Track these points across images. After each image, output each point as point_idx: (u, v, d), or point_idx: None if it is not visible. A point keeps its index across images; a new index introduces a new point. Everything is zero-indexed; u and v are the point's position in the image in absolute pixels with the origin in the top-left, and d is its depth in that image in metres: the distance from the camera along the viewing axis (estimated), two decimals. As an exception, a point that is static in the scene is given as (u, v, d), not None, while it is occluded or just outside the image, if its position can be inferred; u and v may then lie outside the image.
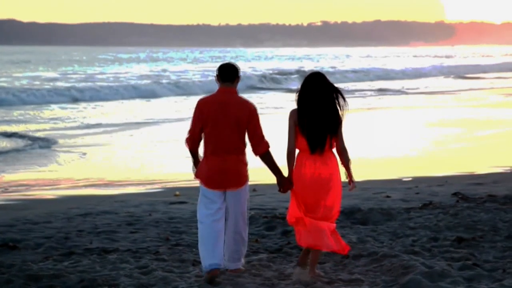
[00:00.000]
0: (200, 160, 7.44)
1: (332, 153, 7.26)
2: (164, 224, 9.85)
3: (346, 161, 7.30)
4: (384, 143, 19.91)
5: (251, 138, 7.30)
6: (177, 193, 12.61)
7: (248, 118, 7.24)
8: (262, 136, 7.31)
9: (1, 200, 12.39)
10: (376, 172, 15.04)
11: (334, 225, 7.29)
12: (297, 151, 7.28)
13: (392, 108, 33.69)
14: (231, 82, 7.33)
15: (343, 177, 7.42)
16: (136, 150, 19.33)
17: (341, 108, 7.19)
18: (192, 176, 7.53)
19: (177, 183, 13.90)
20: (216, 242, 7.24)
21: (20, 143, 20.73)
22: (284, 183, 7.29)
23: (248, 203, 7.55)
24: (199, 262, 7.76)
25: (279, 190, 7.37)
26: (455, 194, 11.73)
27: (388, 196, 11.78)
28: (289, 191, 7.30)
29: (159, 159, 17.57)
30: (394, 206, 10.76)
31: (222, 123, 7.22)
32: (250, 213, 10.16)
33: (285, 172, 7.34)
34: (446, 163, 16.29)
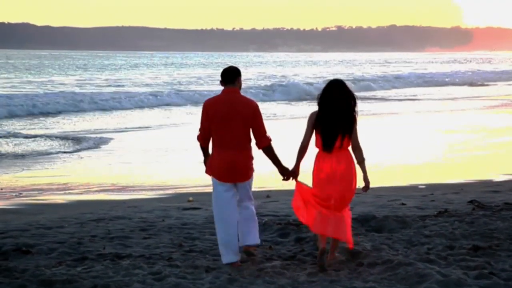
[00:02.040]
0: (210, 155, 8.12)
1: (348, 152, 7.94)
2: (177, 230, 9.82)
3: (360, 159, 7.97)
4: (400, 150, 19.83)
5: (255, 133, 7.96)
6: (191, 198, 12.58)
7: (253, 115, 7.89)
8: (265, 131, 8.00)
9: (15, 205, 12.41)
10: (391, 179, 14.96)
11: (349, 217, 8.05)
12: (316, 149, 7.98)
13: (408, 114, 33.63)
14: (232, 83, 7.97)
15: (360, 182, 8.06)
16: (149, 155, 19.35)
17: (356, 112, 7.89)
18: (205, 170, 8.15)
19: (190, 189, 13.88)
20: (233, 235, 7.94)
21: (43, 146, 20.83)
22: (285, 173, 8.08)
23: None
24: (213, 269, 7.77)
25: (283, 179, 8.15)
26: (471, 201, 11.63)
27: (403, 204, 11.70)
28: (294, 182, 8.06)
29: (172, 164, 17.57)
30: (409, 213, 10.69)
31: (229, 121, 7.85)
32: (264, 220, 10.15)
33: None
34: (462, 170, 16.19)
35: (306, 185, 8.05)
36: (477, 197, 12.09)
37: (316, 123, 7.87)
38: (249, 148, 8.00)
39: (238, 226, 8.03)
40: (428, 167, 16.86)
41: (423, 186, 13.95)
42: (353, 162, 7.97)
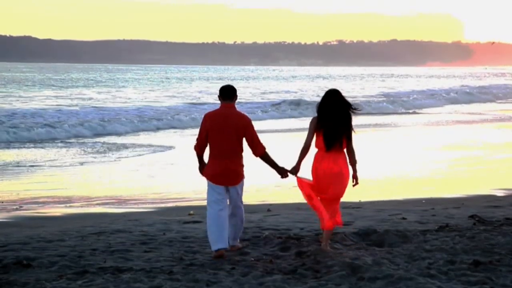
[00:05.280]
0: (206, 162, 9.12)
1: (343, 153, 9.00)
2: (178, 244, 9.81)
3: (353, 161, 9.04)
4: (400, 164, 19.82)
5: (250, 143, 8.98)
6: (191, 212, 12.57)
7: (246, 127, 8.92)
8: (259, 141, 9.02)
9: (16, 218, 12.39)
10: (392, 193, 14.95)
11: (338, 206, 9.12)
12: (316, 149, 9.00)
13: (410, 128, 33.67)
14: (230, 99, 9.00)
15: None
16: (151, 168, 19.37)
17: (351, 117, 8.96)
18: (199, 175, 9.21)
19: (191, 202, 13.87)
20: (222, 228, 8.87)
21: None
22: (283, 172, 9.09)
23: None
24: (214, 282, 7.76)
25: (281, 177, 9.16)
26: (471, 216, 11.62)
27: (404, 218, 11.69)
28: (296, 180, 9.04)
29: (173, 177, 17.58)
30: (410, 228, 10.68)
31: (224, 132, 8.86)
32: (264, 234, 10.15)
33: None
34: (463, 185, 16.18)
35: (306, 179, 9.04)
36: (478, 212, 12.08)
37: (318, 126, 8.89)
38: (241, 157, 9.02)
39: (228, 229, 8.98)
40: (429, 181, 16.86)
41: (424, 201, 13.93)
42: (347, 162, 9.02)
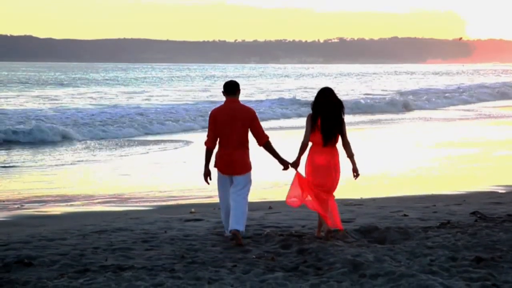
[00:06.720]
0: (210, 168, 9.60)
1: (336, 148, 9.51)
2: (180, 242, 9.80)
3: (350, 153, 9.57)
4: (402, 161, 19.82)
5: (255, 133, 9.51)
6: (193, 210, 12.56)
7: (251, 119, 9.46)
8: (263, 131, 9.57)
9: (17, 217, 12.39)
10: (393, 190, 14.94)
11: (334, 201, 9.63)
12: (310, 144, 9.52)
13: (413, 126, 33.67)
14: (234, 94, 9.52)
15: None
16: (152, 166, 19.37)
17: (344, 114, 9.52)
18: (204, 181, 9.66)
19: (192, 200, 13.87)
20: (228, 216, 9.62)
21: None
22: (284, 163, 9.63)
23: (250, 185, 9.65)
24: (215, 280, 7.76)
25: (283, 169, 9.71)
26: (473, 213, 11.61)
27: (405, 215, 11.68)
28: (293, 175, 9.54)
29: (174, 175, 17.57)
30: (411, 225, 10.67)
31: (231, 125, 9.38)
32: (266, 231, 10.16)
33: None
34: (465, 182, 16.17)
35: (303, 176, 9.54)
36: (480, 209, 12.07)
37: (313, 122, 9.41)
38: (247, 147, 9.52)
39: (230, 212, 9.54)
40: (430, 178, 16.85)
41: (426, 197, 13.91)
42: (339, 155, 9.51)
